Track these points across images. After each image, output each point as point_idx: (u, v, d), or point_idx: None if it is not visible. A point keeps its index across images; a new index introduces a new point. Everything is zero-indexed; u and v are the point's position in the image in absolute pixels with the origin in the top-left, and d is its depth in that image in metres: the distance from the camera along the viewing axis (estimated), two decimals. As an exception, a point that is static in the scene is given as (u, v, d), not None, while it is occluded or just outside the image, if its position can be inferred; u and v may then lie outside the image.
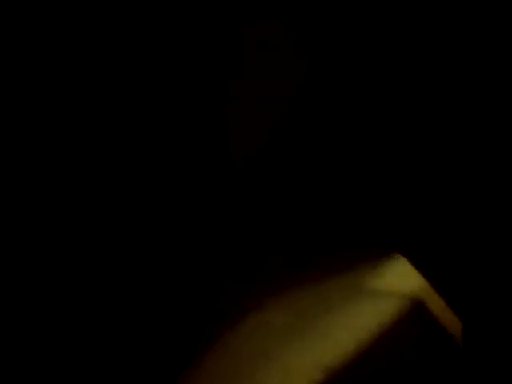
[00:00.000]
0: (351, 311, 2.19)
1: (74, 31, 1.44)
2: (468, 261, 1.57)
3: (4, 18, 1.33)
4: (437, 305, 2.44)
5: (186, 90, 1.65)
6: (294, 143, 1.92)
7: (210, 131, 1.70)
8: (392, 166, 1.63)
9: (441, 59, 1.39)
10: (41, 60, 1.43)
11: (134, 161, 1.62)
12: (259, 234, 1.74)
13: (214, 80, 1.67)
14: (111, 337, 1.61)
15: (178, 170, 1.75)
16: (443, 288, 1.78)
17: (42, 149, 1.53)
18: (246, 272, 1.65)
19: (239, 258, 1.74)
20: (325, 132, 1.83)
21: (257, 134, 1.82)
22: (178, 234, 1.73)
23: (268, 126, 1.81)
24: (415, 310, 2.46)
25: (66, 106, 1.56)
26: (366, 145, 1.69)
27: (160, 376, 1.61)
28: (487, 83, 1.32)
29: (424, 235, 1.76)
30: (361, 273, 2.00)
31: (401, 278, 2.23)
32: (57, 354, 1.61)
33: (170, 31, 1.62)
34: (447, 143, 1.51)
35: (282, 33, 1.81)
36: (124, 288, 1.64)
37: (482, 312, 1.56)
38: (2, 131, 1.48)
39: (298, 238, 1.65)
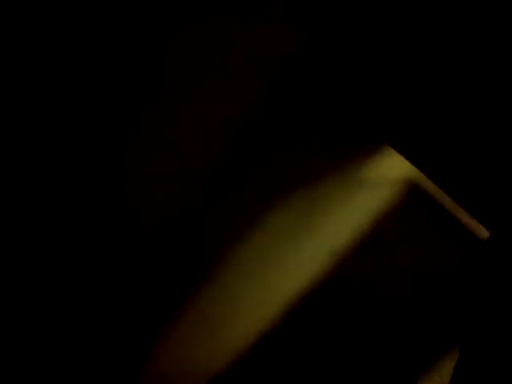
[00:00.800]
0: (347, 204, 2.37)
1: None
2: (458, 147, 1.67)
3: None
4: (431, 189, 2.60)
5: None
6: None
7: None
8: (380, 56, 1.68)
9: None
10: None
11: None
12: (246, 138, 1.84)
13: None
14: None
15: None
16: (435, 175, 1.89)
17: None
18: (235, 174, 1.78)
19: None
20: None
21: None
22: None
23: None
24: (410, 195, 2.64)
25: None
26: (357, 38, 1.72)
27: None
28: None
29: (414, 125, 1.85)
30: (353, 166, 2.16)
31: (393, 169, 2.37)
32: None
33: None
34: (440, 40, 1.55)
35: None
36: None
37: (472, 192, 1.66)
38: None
39: (285, 136, 1.76)
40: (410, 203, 2.74)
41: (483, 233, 2.62)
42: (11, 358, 1.65)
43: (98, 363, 1.81)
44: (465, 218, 2.57)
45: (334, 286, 3.01)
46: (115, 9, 1.47)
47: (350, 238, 2.92)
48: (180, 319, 2.06)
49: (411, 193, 2.71)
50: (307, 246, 2.50)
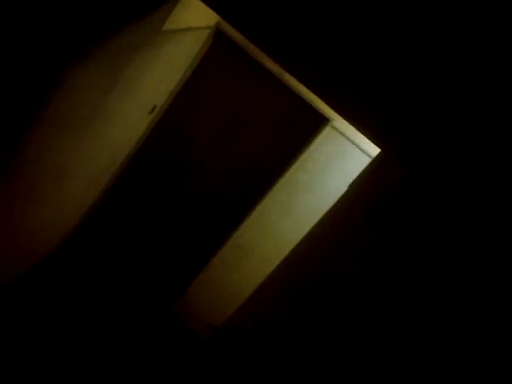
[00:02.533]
0: (161, 53, 2.40)
1: None
2: None
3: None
4: (236, 35, 2.73)
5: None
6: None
7: None
8: None
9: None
10: None
11: None
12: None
13: None
14: None
15: None
16: (237, 20, 1.94)
17: None
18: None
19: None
20: None
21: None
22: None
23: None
24: (218, 41, 2.75)
25: None
26: None
27: None
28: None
29: None
30: (157, 17, 2.16)
31: (194, 17, 2.42)
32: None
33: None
34: None
35: None
36: None
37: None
38: None
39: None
40: (216, 51, 2.86)
41: (286, 76, 2.90)
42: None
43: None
44: (269, 63, 2.79)
45: (158, 141, 3.13)
46: None
47: (162, 93, 2.99)
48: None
49: (215, 39, 2.81)
50: (121, 104, 2.50)
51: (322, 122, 2.92)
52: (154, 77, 2.57)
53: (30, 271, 2.90)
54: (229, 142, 3.06)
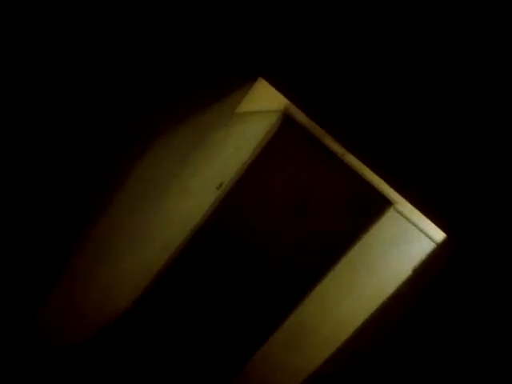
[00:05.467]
0: (231, 133, 2.55)
1: None
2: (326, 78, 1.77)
3: None
4: (303, 118, 2.87)
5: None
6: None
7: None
8: None
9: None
10: None
11: None
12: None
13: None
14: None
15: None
16: (307, 106, 2.03)
17: None
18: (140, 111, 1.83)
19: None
20: None
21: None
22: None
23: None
24: (286, 123, 2.89)
25: None
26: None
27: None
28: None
29: (287, 60, 1.94)
30: (231, 100, 2.32)
31: (267, 101, 2.57)
32: None
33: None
34: None
35: None
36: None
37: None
38: None
39: (168, 71, 1.84)
40: (284, 133, 2.99)
41: (349, 157, 2.97)
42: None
43: None
44: (334, 144, 2.89)
45: (223, 217, 3.23)
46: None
47: (231, 171, 3.13)
48: (78, 261, 2.12)
49: (283, 123, 2.96)
50: (192, 181, 2.63)
51: (385, 204, 2.92)
52: (224, 155, 2.71)
53: (101, 330, 2.97)
54: (292, 220, 3.12)
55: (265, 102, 2.62)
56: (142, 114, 1.87)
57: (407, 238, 2.94)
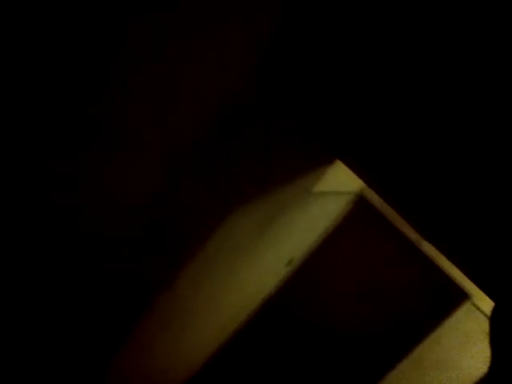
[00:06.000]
0: (305, 212, 2.59)
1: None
2: (401, 163, 1.79)
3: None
4: (377, 201, 2.87)
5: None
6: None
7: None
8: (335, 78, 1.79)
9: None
10: None
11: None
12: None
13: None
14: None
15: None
16: (381, 189, 2.05)
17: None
18: (211, 188, 1.91)
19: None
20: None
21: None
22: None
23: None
24: (361, 205, 2.90)
25: None
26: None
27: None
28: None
29: (360, 141, 1.99)
30: (309, 179, 2.38)
31: (344, 183, 2.62)
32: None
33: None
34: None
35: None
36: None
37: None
38: None
39: (244, 148, 1.92)
40: (355, 214, 2.99)
41: (425, 246, 2.91)
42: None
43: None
44: (407, 230, 2.84)
45: (291, 295, 3.21)
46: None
47: (302, 248, 3.14)
48: (143, 330, 2.17)
49: (357, 204, 2.96)
50: (264, 256, 2.66)
51: (461, 297, 2.78)
52: (297, 233, 2.74)
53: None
54: (359, 305, 3.03)
55: (341, 183, 2.66)
56: (216, 190, 1.95)
57: (486, 335, 2.76)
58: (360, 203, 2.93)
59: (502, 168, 1.47)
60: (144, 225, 1.75)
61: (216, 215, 2.03)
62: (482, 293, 2.78)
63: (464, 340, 2.80)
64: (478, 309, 2.76)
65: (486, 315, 2.74)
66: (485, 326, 2.74)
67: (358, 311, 3.03)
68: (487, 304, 2.73)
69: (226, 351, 3.29)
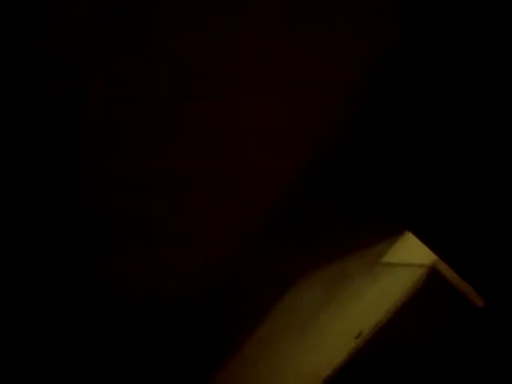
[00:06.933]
0: (375, 283, 2.57)
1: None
2: (473, 236, 1.78)
3: None
4: (449, 274, 2.80)
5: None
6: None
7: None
8: (399, 148, 1.82)
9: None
10: None
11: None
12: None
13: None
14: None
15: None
16: (452, 261, 2.02)
17: None
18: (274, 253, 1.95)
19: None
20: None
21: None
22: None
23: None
24: (428, 280, 2.83)
25: None
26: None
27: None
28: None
29: (431, 214, 2.01)
30: (377, 249, 2.39)
31: (414, 254, 2.60)
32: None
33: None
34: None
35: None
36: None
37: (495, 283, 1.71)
38: None
39: (319, 218, 1.96)
40: (427, 287, 2.92)
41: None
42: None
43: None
44: (478, 300, 2.73)
45: (355, 368, 3.10)
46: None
47: (370, 320, 3.06)
48: None
49: (429, 277, 2.90)
50: (330, 326, 2.63)
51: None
52: (366, 304, 2.70)
53: None
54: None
55: (412, 255, 2.63)
56: (285, 257, 1.98)
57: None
58: (433, 275, 2.87)
59: None
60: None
61: (285, 281, 2.06)
62: None
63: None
64: None
65: None
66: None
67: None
68: None
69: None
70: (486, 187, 1.68)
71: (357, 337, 2.95)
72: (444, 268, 2.82)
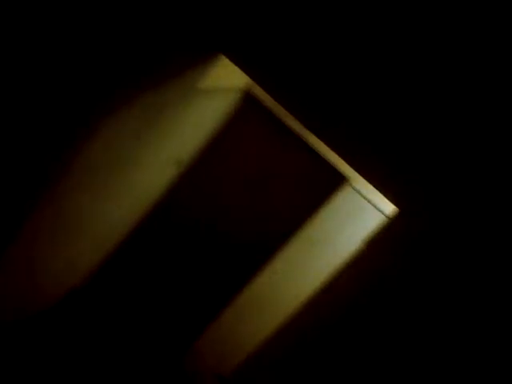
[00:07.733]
0: (191, 110, 2.57)
1: None
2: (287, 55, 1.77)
3: None
4: (264, 95, 2.92)
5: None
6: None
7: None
8: None
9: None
10: None
11: None
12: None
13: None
14: None
15: None
16: (266, 84, 2.06)
17: None
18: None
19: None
20: None
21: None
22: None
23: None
24: (247, 101, 2.94)
25: None
26: None
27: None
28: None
29: (249, 37, 1.94)
30: (192, 76, 2.34)
31: (228, 79, 2.61)
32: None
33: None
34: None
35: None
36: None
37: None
38: None
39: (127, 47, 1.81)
40: (243, 111, 3.04)
41: (312, 139, 3.06)
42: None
43: None
44: (295, 125, 2.96)
45: (181, 195, 3.27)
46: None
47: (189, 148, 3.16)
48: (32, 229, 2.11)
49: (245, 101, 3.00)
50: (148, 157, 2.64)
51: (340, 180, 3.04)
52: (184, 132, 2.74)
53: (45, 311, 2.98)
54: (252, 197, 3.19)
55: (226, 80, 2.65)
56: (97, 92, 1.87)
57: (361, 213, 3.08)
58: (247, 99, 2.96)
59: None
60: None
61: (97, 116, 1.95)
62: (358, 176, 3.05)
63: (345, 219, 3.10)
64: (355, 190, 3.04)
65: (362, 195, 3.04)
66: (361, 205, 3.06)
67: (250, 204, 3.20)
68: (363, 185, 3.02)
69: (120, 251, 3.35)
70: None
71: (177, 165, 3.03)
72: (259, 92, 2.93)
